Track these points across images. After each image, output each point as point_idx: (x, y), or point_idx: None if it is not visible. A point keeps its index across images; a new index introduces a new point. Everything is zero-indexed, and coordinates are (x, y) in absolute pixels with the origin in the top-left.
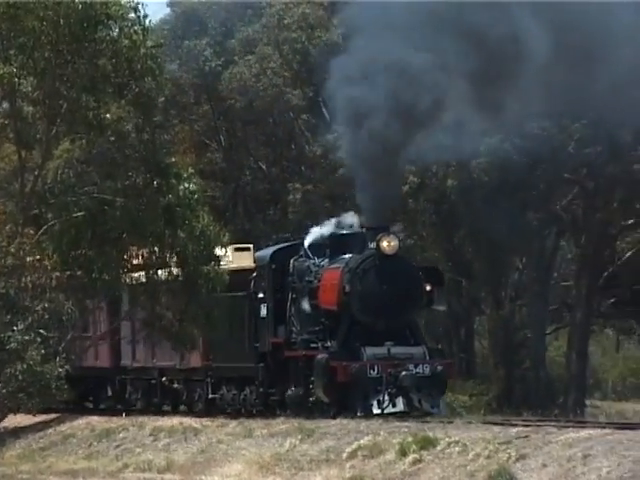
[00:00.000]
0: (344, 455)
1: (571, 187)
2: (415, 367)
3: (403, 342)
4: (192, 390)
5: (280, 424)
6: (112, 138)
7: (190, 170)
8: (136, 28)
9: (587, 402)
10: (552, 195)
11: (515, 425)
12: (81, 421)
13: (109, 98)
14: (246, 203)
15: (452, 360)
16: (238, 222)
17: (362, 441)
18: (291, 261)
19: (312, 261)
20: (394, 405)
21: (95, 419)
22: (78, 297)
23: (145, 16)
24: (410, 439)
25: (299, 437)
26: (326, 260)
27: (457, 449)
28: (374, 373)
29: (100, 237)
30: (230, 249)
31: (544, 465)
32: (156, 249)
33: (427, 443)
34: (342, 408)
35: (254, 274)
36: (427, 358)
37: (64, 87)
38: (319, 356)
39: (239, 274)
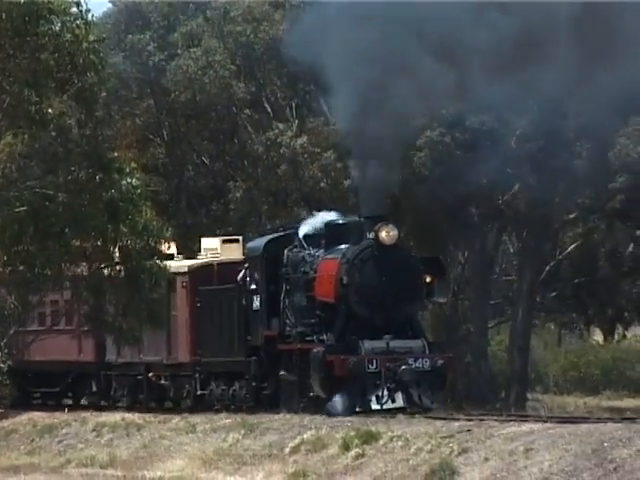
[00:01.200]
0: (287, 450)
1: (513, 182)
2: (415, 361)
3: (402, 335)
4: (180, 386)
5: (223, 419)
6: (54, 133)
7: (133, 165)
8: (78, 22)
9: (529, 396)
10: (494, 190)
11: (457, 419)
12: (23, 417)
13: (51, 93)
14: (189, 198)
15: (453, 354)
16: (181, 217)
17: (305, 436)
18: (285, 251)
19: (307, 251)
20: (393, 400)
21: (37, 415)
22: (20, 292)
23: (87, 10)
24: (353, 433)
25: (242, 432)
26: (321, 250)
27: (399, 443)
28: (372, 367)
29: (43, 232)
30: (218, 241)
31: (486, 459)
32: (99, 244)
33: (370, 437)
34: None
35: (246, 265)
36: (427, 352)
37: (6, 81)
38: (315, 349)
39: (228, 266)
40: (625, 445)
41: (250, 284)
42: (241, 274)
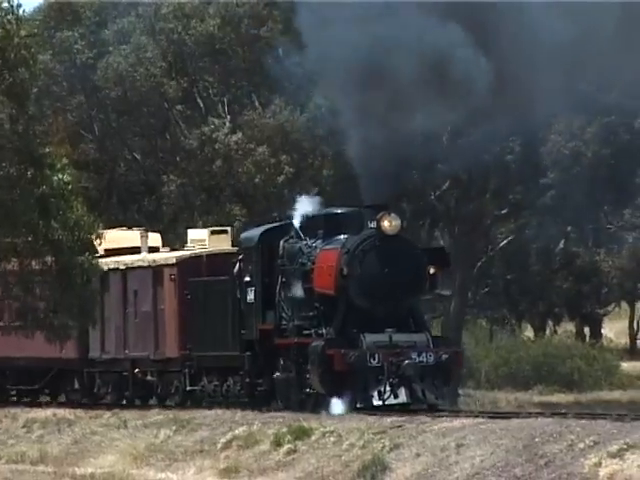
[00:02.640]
0: (219, 446)
1: (445, 177)
2: (418, 355)
3: (405, 329)
4: (168, 382)
5: (155, 415)
6: None
7: (64, 161)
8: (9, 17)
9: (460, 391)
10: (426, 185)
11: (389, 415)
12: None
13: None
14: (120, 194)
15: (460, 348)
16: (112, 213)
17: (237, 431)
18: (281, 242)
19: (304, 242)
20: (396, 396)
21: None
22: None
23: (19, 5)
24: (285, 429)
25: (173, 428)
26: (319, 241)
27: (332, 439)
28: (374, 362)
29: None
30: (206, 232)
31: (418, 455)
32: (30, 239)
33: (302, 433)
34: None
35: (239, 257)
36: (431, 346)
37: None
38: (314, 343)
39: (218, 257)
40: (556, 440)
41: (244, 276)
42: (237, 266)
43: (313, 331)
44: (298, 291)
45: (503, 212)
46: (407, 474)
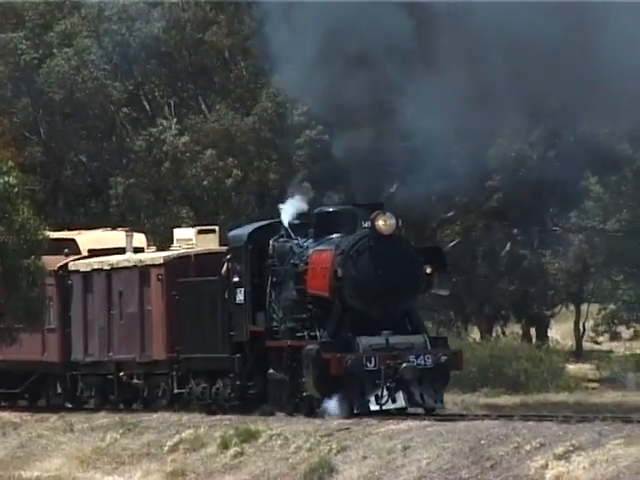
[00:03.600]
0: (165, 449)
1: (391, 180)
2: (416, 358)
3: (402, 331)
4: (155, 385)
5: (101, 418)
6: None
7: (10, 164)
8: None
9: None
10: (371, 188)
11: (336, 418)
12: None
13: None
14: (67, 196)
15: (459, 350)
16: (59, 215)
17: (184, 434)
18: (270, 242)
19: (295, 241)
20: (394, 401)
21: None
22: None
23: None
24: (232, 432)
25: (120, 431)
26: (310, 240)
27: (279, 442)
28: (371, 365)
29: None
30: (193, 231)
31: (364, 457)
32: None
33: (249, 436)
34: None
35: (228, 256)
36: (429, 348)
37: None
38: (308, 347)
39: (206, 257)
40: (502, 442)
41: (233, 276)
42: (225, 266)
43: (306, 333)
44: (290, 292)
45: (449, 215)
46: (354, 476)
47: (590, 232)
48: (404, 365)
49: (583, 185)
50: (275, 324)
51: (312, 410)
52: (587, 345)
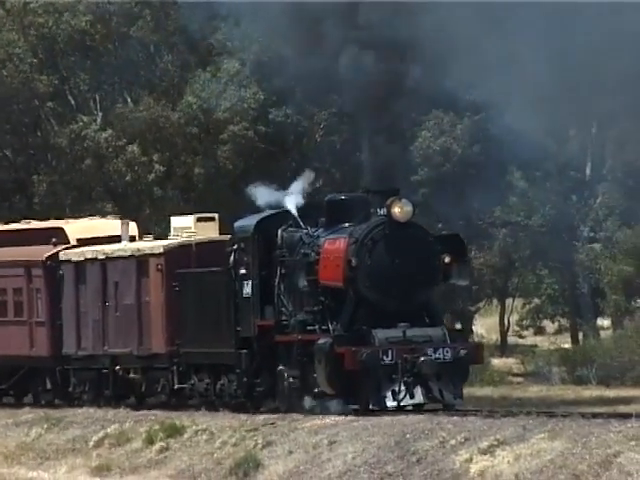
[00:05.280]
0: (90, 444)
1: (318, 175)
2: (435, 352)
3: (419, 323)
4: (153, 380)
5: (26, 413)
6: None
7: None
8: None
9: None
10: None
11: (262, 413)
12: None
13: None
14: None
15: (479, 343)
16: None
17: (109, 429)
18: (279, 232)
19: (304, 231)
20: (412, 396)
21: None
22: None
23: None
24: (157, 427)
25: (45, 426)
26: (321, 229)
27: (204, 437)
28: (388, 359)
29: None
30: (192, 219)
31: (290, 452)
32: None
33: (174, 431)
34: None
35: (234, 247)
36: (448, 341)
37: None
38: (321, 340)
39: (207, 246)
40: (427, 437)
41: (239, 268)
42: (231, 257)
43: (317, 327)
44: (300, 284)
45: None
46: (280, 471)
47: (515, 227)
48: (422, 359)
49: (508, 180)
50: (284, 318)
51: (324, 406)
52: (512, 339)
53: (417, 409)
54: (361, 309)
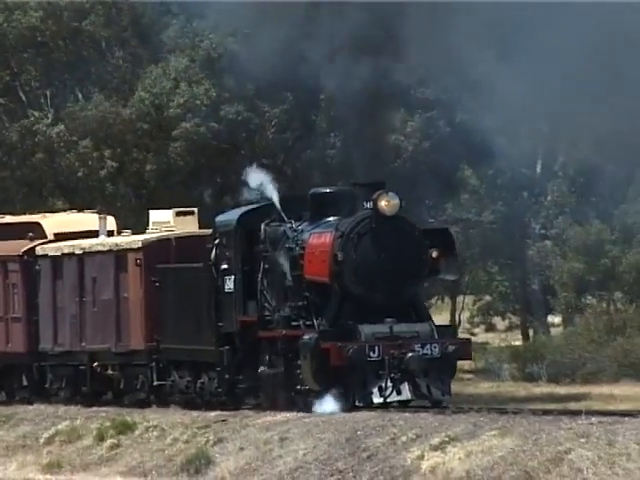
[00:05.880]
0: (41, 441)
1: (270, 171)
2: (422, 347)
3: (406, 319)
4: (132, 376)
5: None
6: None
7: None
8: None
9: None
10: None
11: (214, 409)
12: None
13: None
14: None
15: (468, 339)
16: None
17: (60, 426)
18: (262, 226)
19: (288, 225)
20: (399, 392)
21: None
22: None
23: None
24: (108, 424)
25: None
26: (305, 223)
27: (155, 434)
28: (374, 355)
29: None
30: (171, 213)
31: (242, 448)
32: None
33: (125, 428)
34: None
35: (215, 241)
36: (436, 336)
37: None
38: (306, 336)
39: (187, 240)
40: (378, 433)
41: (221, 263)
42: (212, 252)
43: (302, 322)
44: (284, 279)
45: None
46: (231, 468)
47: (466, 224)
48: (409, 355)
49: (459, 177)
50: (267, 313)
51: (308, 404)
52: (463, 336)
53: (404, 405)
54: (347, 304)
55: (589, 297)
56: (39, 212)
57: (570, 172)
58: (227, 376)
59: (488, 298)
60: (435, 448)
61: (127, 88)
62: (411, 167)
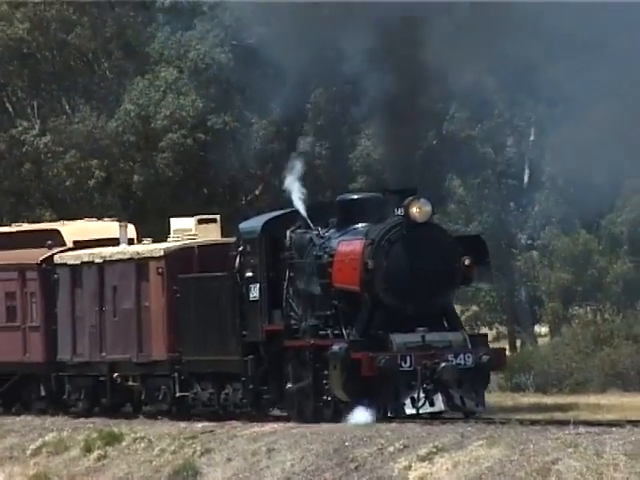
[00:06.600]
0: (28, 452)
1: (256, 183)
2: (455, 357)
3: (438, 328)
4: (153, 388)
5: None
6: None
7: None
8: None
9: None
10: (237, 190)
11: (201, 420)
12: None
13: None
14: None
15: (502, 348)
16: None
17: (47, 438)
18: (287, 233)
19: (315, 232)
20: (432, 404)
21: None
22: None
23: None
24: (95, 435)
25: None
26: (332, 230)
27: (142, 445)
28: (406, 365)
29: None
30: (193, 221)
31: (229, 459)
32: None
33: (112, 439)
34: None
35: (239, 249)
36: (469, 346)
37: None
38: (336, 346)
39: (211, 249)
40: (366, 444)
41: (245, 271)
42: (237, 260)
43: (330, 331)
44: (312, 287)
45: None
46: (218, 479)
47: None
48: (442, 365)
49: (446, 187)
50: (294, 322)
51: (337, 415)
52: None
53: (436, 417)
54: (377, 313)
55: (576, 307)
56: (26, 222)
57: (560, 182)
58: (252, 386)
59: (475, 308)
60: (422, 459)
61: (114, 99)
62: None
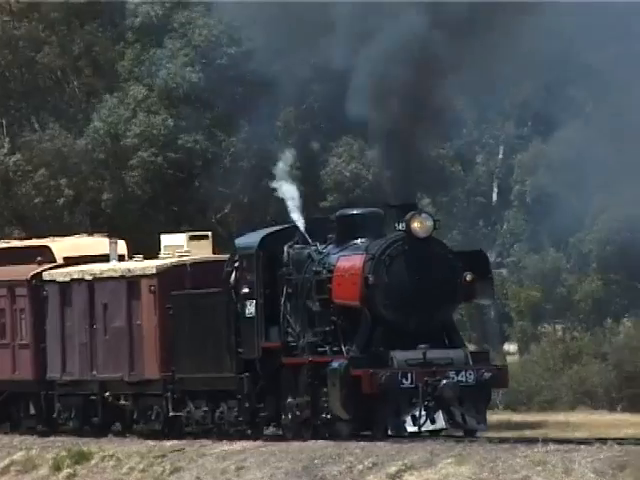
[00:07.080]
0: None
1: (226, 201)
2: (457, 374)
3: (439, 344)
4: (145, 407)
5: None
6: None
7: None
8: None
9: None
10: (207, 208)
11: (170, 439)
12: None
13: None
14: None
15: (504, 365)
16: None
17: (15, 456)
18: (284, 248)
19: (313, 247)
20: (433, 421)
21: None
22: None
23: None
24: (64, 454)
25: None
26: (331, 246)
27: (111, 463)
28: (407, 382)
29: None
30: (184, 237)
31: (198, 478)
32: None
33: (81, 457)
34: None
35: (235, 265)
36: (470, 363)
37: None
38: (335, 363)
39: (203, 266)
40: (335, 462)
41: (241, 287)
42: (232, 276)
43: (328, 348)
44: (310, 303)
45: None
46: None
47: None
48: (444, 382)
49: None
50: (291, 339)
51: (334, 432)
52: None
53: (437, 435)
54: (378, 329)
55: (545, 325)
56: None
57: (528, 200)
58: (247, 404)
59: None
60: (392, 477)
61: (83, 117)
62: (370, 195)
